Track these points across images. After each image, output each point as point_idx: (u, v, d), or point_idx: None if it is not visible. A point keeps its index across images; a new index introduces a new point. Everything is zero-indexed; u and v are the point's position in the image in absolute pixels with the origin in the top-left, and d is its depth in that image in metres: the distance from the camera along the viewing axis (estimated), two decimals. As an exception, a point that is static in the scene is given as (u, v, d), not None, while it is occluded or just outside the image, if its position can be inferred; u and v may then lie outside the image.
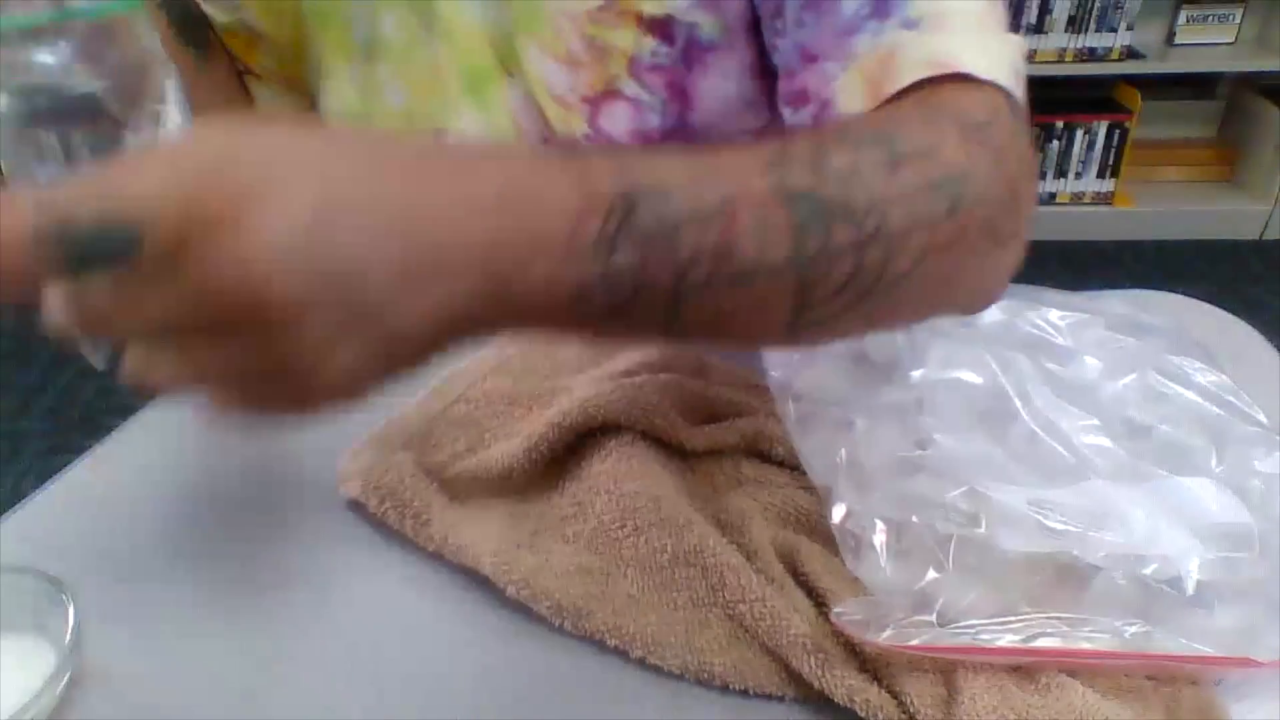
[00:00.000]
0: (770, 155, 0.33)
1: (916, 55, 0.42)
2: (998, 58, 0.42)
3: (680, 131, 0.60)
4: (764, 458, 0.50)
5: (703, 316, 0.32)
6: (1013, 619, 0.38)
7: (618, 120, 0.61)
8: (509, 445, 0.49)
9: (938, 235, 0.36)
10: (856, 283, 0.34)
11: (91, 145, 0.41)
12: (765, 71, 0.57)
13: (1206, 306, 0.63)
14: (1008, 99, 0.41)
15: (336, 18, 0.63)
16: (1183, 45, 2.27)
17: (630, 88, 0.59)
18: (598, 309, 0.29)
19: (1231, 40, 2.27)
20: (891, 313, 0.40)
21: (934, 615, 0.38)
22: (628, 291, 0.30)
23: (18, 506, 0.51)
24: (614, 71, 0.59)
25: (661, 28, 0.57)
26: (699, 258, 0.30)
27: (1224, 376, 0.51)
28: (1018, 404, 0.49)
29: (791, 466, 0.49)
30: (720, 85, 0.59)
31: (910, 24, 0.43)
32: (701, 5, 0.56)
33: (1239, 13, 2.24)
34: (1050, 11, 2.14)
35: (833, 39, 0.46)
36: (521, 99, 0.62)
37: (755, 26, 0.55)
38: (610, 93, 0.60)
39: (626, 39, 0.58)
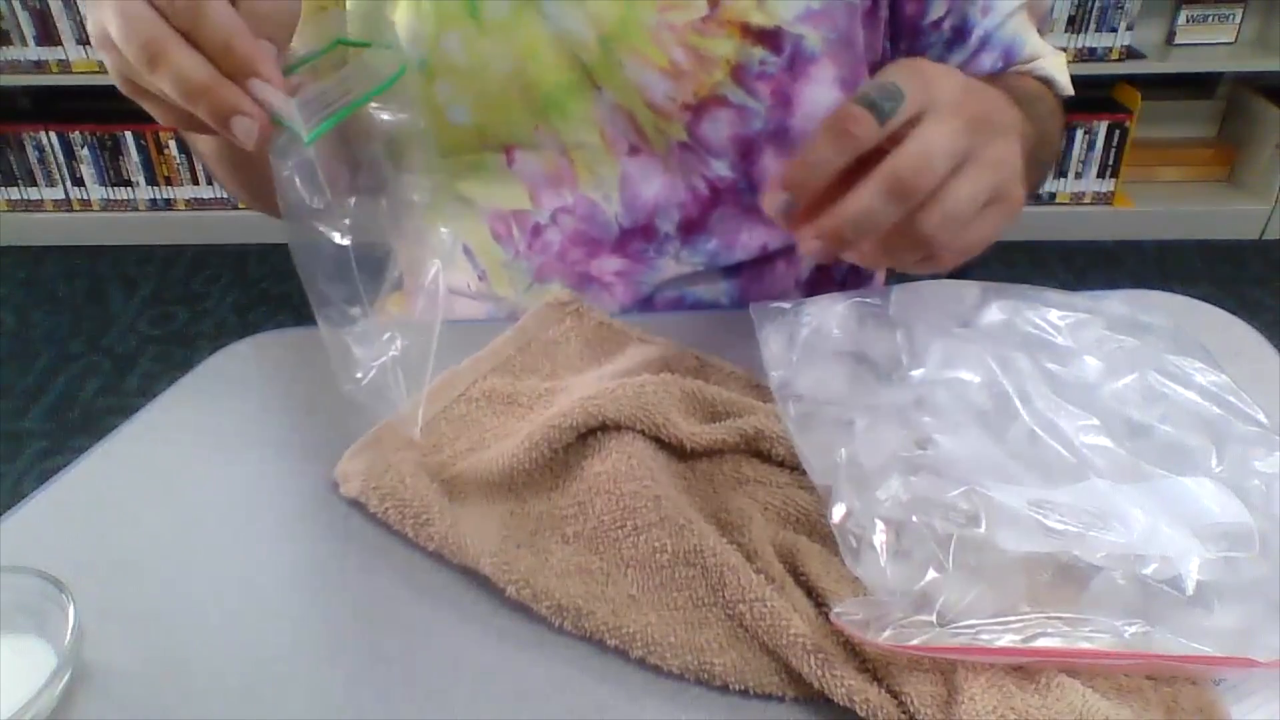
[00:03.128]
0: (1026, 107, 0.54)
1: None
2: (1061, 70, 0.69)
3: (778, 135, 0.63)
4: (764, 458, 0.50)
5: (1033, 173, 0.53)
6: (1013, 619, 0.38)
7: (720, 126, 0.64)
8: (509, 445, 0.49)
9: (1054, 156, 0.69)
10: (1040, 181, 0.63)
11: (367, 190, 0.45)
12: (854, 85, 0.64)
13: (1206, 306, 0.63)
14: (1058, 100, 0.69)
15: (387, 40, 0.64)
16: (1183, 45, 2.27)
17: (736, 95, 0.63)
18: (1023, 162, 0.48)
19: (1231, 40, 2.27)
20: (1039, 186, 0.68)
21: (934, 615, 0.38)
22: (1030, 155, 0.51)
23: (18, 506, 0.51)
24: (717, 79, 0.62)
25: (770, 38, 0.61)
26: (1034, 153, 0.54)
27: (1224, 376, 0.51)
28: (1018, 404, 0.49)
29: (791, 466, 0.49)
30: (820, 92, 0.63)
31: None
32: (809, 19, 0.61)
33: (1239, 13, 2.24)
34: (1050, 11, 2.14)
35: None
36: (610, 110, 0.64)
37: (854, 43, 0.64)
38: (714, 99, 0.63)
39: (729, 48, 0.61)
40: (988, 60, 0.66)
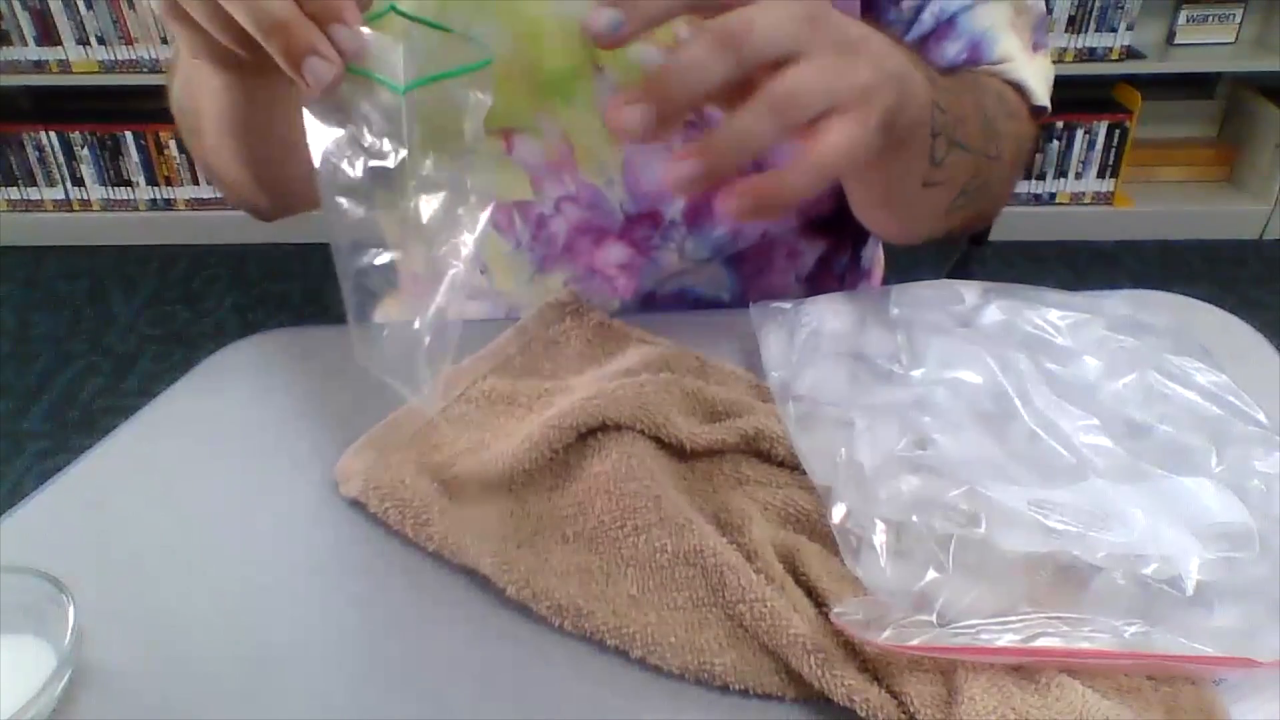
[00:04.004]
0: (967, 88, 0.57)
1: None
2: (1039, 79, 0.66)
3: None
4: (764, 458, 0.50)
5: (943, 165, 0.52)
6: (1013, 619, 0.38)
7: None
8: (509, 445, 0.49)
9: (1016, 164, 0.64)
10: (985, 177, 0.59)
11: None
12: None
13: (1206, 306, 0.63)
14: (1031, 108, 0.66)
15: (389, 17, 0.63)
16: (1183, 45, 2.27)
17: None
18: (920, 140, 0.49)
19: (1231, 40, 2.27)
20: (987, 207, 0.66)
21: (934, 615, 0.38)
22: (934, 131, 0.50)
23: (18, 506, 0.51)
24: None
25: None
26: (951, 129, 0.51)
27: (1224, 376, 0.51)
28: (1018, 404, 0.49)
29: (791, 466, 0.49)
30: None
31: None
32: None
33: (1239, 13, 2.24)
34: (1050, 11, 2.14)
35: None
36: (612, 91, 0.63)
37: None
38: None
39: None
40: (951, 49, 0.64)
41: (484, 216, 0.43)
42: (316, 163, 0.41)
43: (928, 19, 0.63)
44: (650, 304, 0.70)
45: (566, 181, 0.67)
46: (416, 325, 0.42)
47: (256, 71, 0.43)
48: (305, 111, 0.41)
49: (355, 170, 0.41)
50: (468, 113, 0.42)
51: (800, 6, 0.40)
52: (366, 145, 0.41)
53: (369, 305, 0.43)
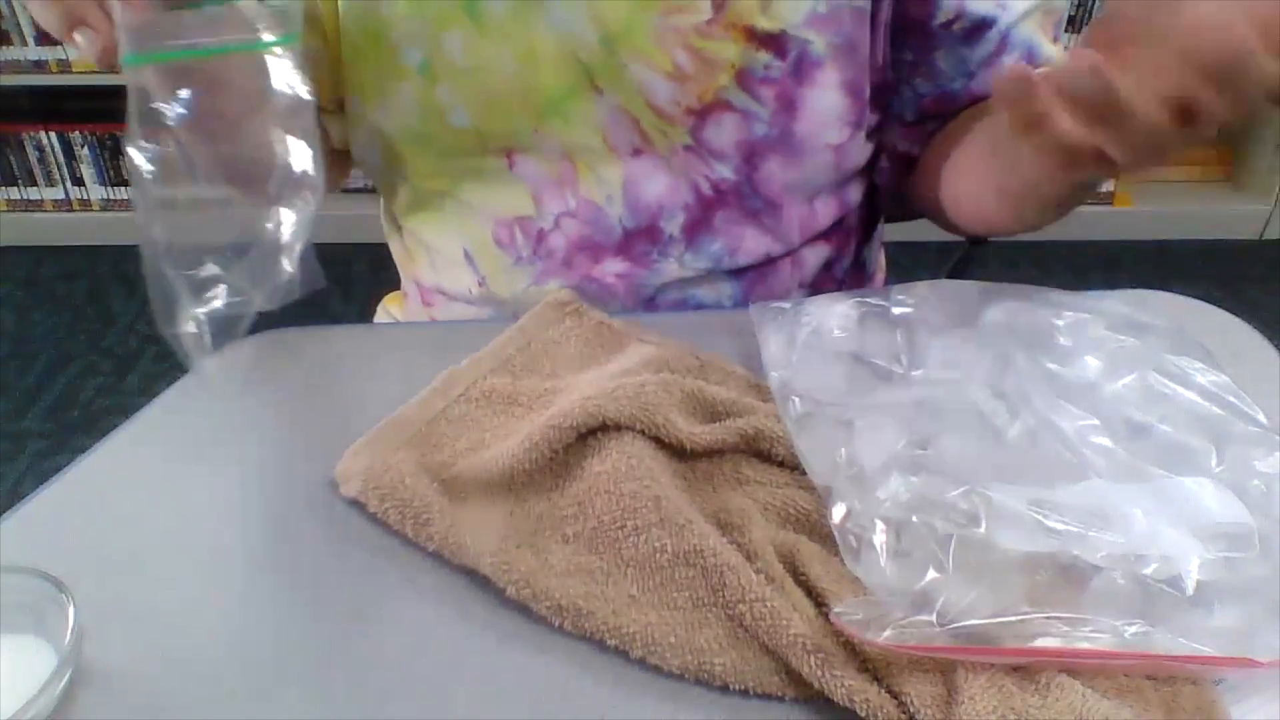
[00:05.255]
0: None
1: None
2: None
3: (782, 139, 0.63)
4: (764, 458, 0.50)
5: None
6: (1013, 619, 0.38)
7: (724, 130, 0.64)
8: (509, 445, 0.49)
9: None
10: None
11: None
12: (857, 90, 0.63)
13: (1206, 306, 0.63)
14: None
15: (385, 40, 0.63)
16: (1183, 45, 2.27)
17: (739, 99, 0.62)
18: None
19: (1231, 40, 2.26)
20: None
21: (934, 615, 0.38)
22: None
23: (18, 506, 0.51)
24: (721, 83, 0.62)
25: (775, 42, 0.60)
26: None
27: (1224, 376, 0.51)
28: (1018, 404, 0.49)
29: (791, 466, 0.49)
30: (824, 98, 0.63)
31: None
32: (814, 24, 0.60)
33: (1239, 13, 2.23)
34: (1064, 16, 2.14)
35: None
36: (611, 113, 0.64)
37: (858, 48, 0.63)
38: (718, 104, 0.63)
39: (733, 51, 0.61)
40: (1010, 61, 0.64)
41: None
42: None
43: (993, 36, 0.63)
44: (651, 308, 0.70)
45: (567, 198, 0.67)
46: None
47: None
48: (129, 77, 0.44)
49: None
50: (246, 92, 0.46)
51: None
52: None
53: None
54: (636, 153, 0.65)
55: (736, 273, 0.70)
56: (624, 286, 0.69)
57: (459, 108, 0.64)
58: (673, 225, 0.67)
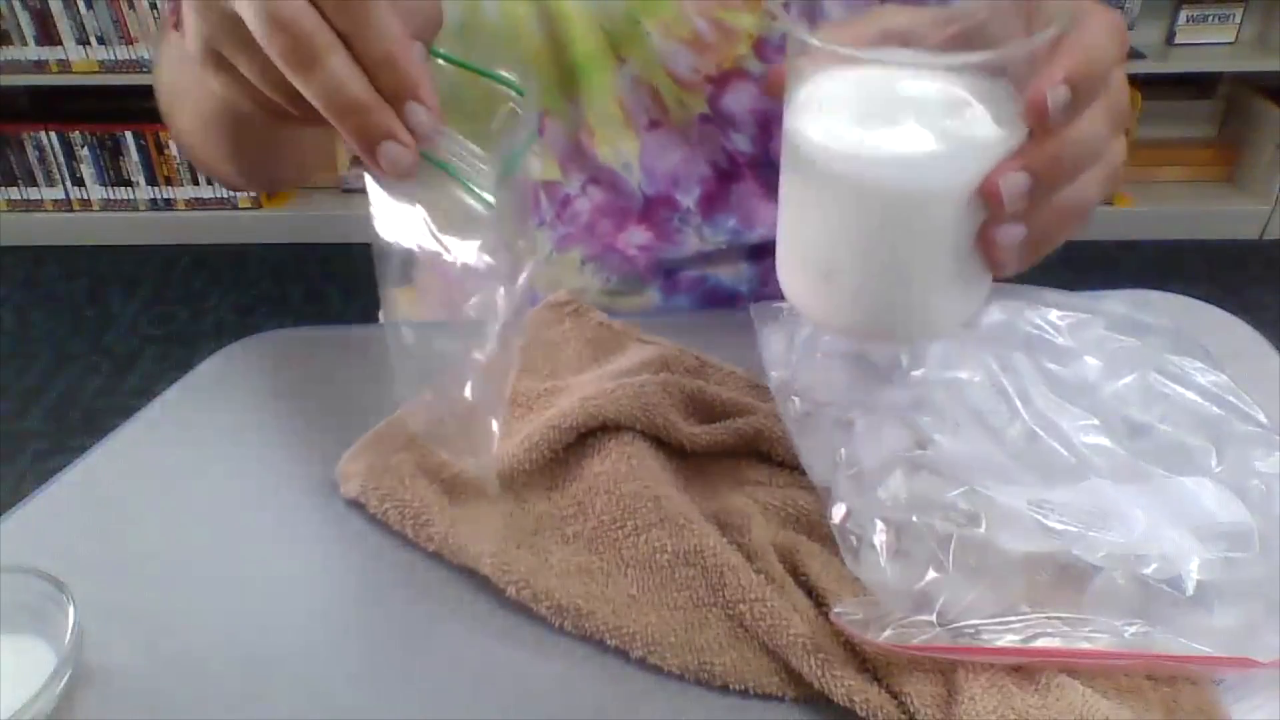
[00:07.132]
0: None
1: None
2: None
3: None
4: (764, 458, 0.50)
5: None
6: (1013, 619, 0.38)
7: (741, 98, 0.64)
8: (509, 445, 0.49)
9: None
10: None
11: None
12: None
13: (1206, 306, 0.63)
14: None
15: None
16: (1183, 45, 2.27)
17: (757, 67, 0.63)
18: None
19: (1231, 40, 2.27)
20: None
21: (934, 615, 0.38)
22: None
23: (18, 506, 0.51)
24: (740, 51, 0.63)
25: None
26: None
27: (1224, 376, 0.51)
28: (1018, 404, 0.49)
29: (791, 466, 0.49)
30: None
31: None
32: None
33: (1239, 13, 2.23)
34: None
35: None
36: (630, 82, 0.64)
37: None
38: (736, 72, 0.63)
39: (751, 20, 0.62)
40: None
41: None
42: (380, 231, 0.40)
43: None
44: (671, 286, 0.70)
45: (587, 165, 0.67)
46: (468, 394, 0.42)
47: (301, 122, 0.39)
48: (369, 180, 0.39)
49: (417, 250, 0.39)
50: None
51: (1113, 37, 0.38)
52: (434, 232, 0.39)
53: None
54: (653, 125, 0.66)
55: (755, 255, 0.70)
56: (645, 260, 0.69)
57: (493, 69, 0.64)
58: (689, 199, 0.68)
